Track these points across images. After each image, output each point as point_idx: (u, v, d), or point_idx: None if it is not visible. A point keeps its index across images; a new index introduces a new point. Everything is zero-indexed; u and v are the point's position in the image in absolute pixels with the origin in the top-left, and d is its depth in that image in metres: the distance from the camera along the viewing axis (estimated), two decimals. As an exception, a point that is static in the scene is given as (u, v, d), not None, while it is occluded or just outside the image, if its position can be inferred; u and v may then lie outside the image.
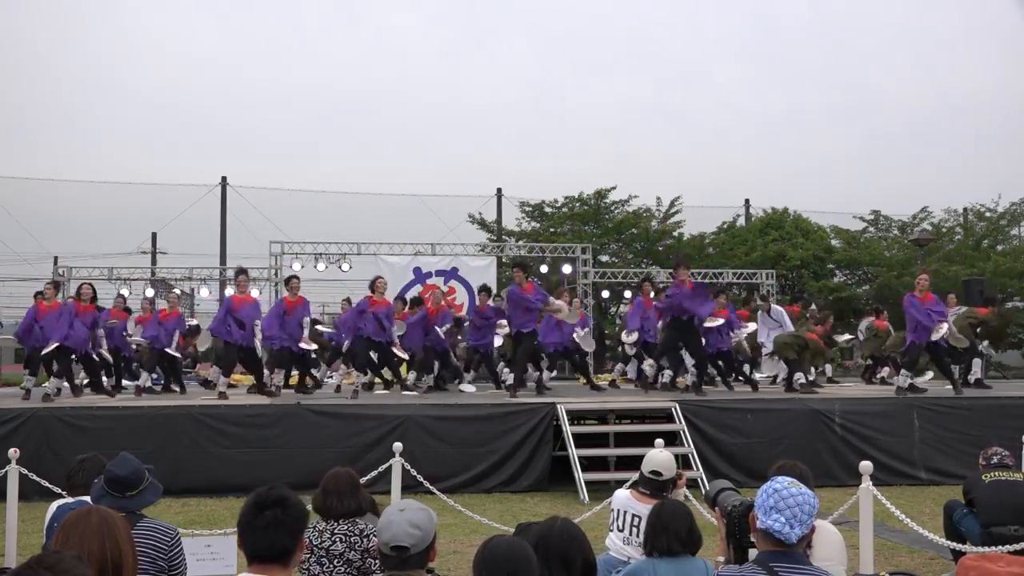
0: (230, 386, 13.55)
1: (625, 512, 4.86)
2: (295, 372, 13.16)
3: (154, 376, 13.32)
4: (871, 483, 5.90)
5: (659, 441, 7.36)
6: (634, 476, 5.21)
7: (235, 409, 10.26)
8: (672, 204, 28.10)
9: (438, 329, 13.22)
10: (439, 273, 19.37)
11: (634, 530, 4.80)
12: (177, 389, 13.46)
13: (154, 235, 27.80)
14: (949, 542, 5.89)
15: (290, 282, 12.31)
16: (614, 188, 27.63)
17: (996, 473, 5.72)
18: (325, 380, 14.11)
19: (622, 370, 14.86)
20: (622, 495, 4.98)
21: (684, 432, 10.17)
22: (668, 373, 12.88)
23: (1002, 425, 10.09)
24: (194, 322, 16.86)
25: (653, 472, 4.91)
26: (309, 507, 4.37)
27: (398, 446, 7.48)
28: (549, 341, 12.75)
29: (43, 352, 11.42)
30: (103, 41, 60.31)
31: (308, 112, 56.47)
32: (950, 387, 11.68)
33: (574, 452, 9.85)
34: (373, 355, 12.20)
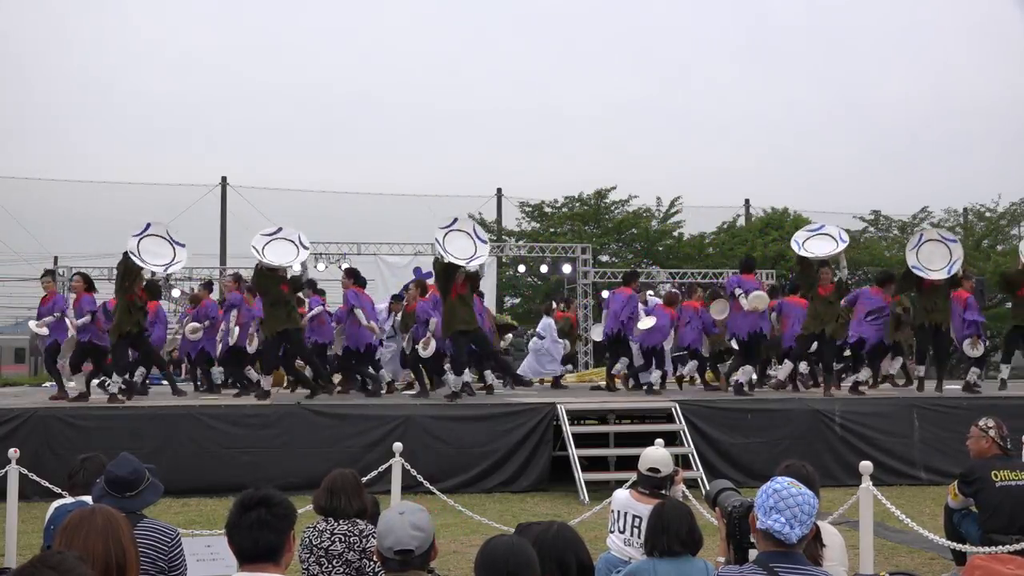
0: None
1: (625, 513, 4.85)
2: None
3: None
4: (871, 483, 5.90)
5: (659, 440, 7.39)
6: (635, 476, 5.21)
7: (235, 409, 10.26)
8: (672, 204, 28.13)
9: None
10: (439, 273, 19.31)
11: (635, 531, 4.80)
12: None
13: (154, 235, 27.76)
14: (949, 542, 5.88)
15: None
16: (614, 188, 27.69)
17: (1005, 473, 5.66)
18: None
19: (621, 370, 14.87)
20: (622, 496, 4.98)
21: (684, 432, 10.16)
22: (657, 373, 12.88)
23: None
24: None
25: (651, 470, 4.92)
26: (309, 507, 4.40)
27: (398, 446, 7.48)
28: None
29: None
30: (102, 41, 60.36)
31: (308, 112, 56.49)
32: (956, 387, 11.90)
33: (574, 452, 9.85)
34: None
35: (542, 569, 2.91)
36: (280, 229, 11.17)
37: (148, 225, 10.86)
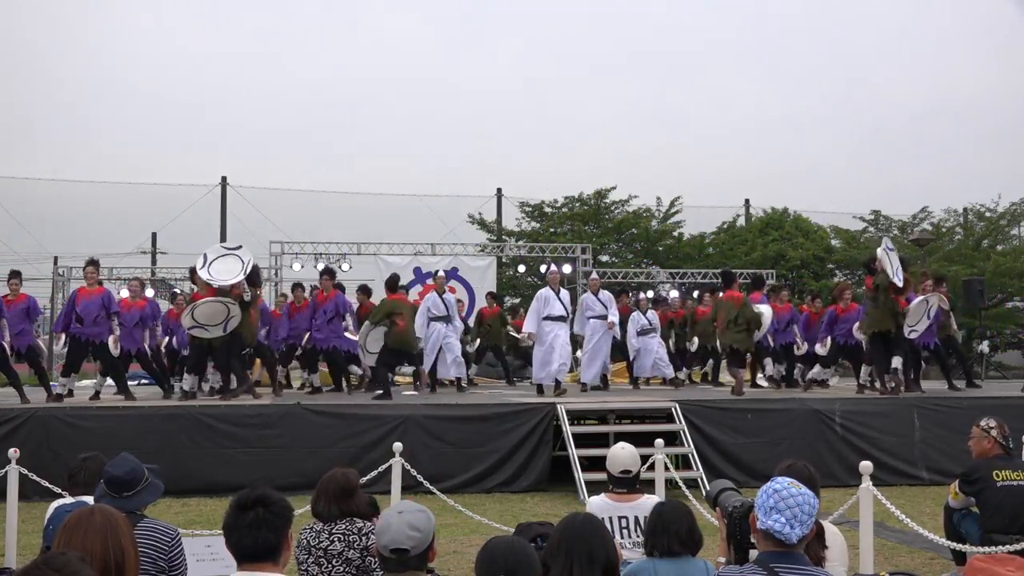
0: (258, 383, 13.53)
1: (609, 518, 4.80)
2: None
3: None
4: (871, 483, 5.90)
5: (659, 441, 7.39)
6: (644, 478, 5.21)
7: (235, 409, 10.26)
8: (672, 204, 28.11)
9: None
10: (439, 273, 19.31)
11: (624, 532, 4.79)
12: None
13: (154, 235, 27.77)
14: (949, 542, 5.88)
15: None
16: (614, 188, 27.65)
17: (1007, 473, 5.66)
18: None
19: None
20: (598, 503, 4.96)
21: (684, 432, 10.16)
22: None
23: (1002, 425, 10.08)
24: None
25: (623, 472, 4.91)
26: (307, 508, 4.40)
27: (398, 446, 7.48)
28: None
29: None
30: (102, 40, 60.24)
31: (308, 112, 56.35)
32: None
33: (574, 452, 9.84)
34: None
35: (569, 558, 2.91)
36: (240, 247, 11.42)
37: (205, 256, 11.14)
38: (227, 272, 10.91)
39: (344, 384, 13.15)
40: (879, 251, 11.12)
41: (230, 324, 10.79)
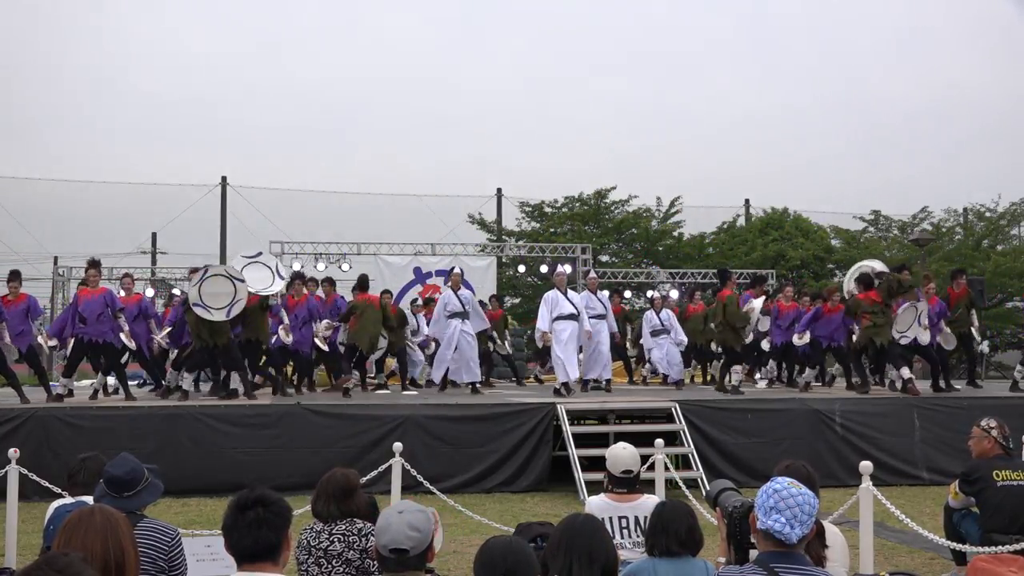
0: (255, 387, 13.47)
1: (609, 518, 4.79)
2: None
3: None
4: (871, 483, 5.89)
5: (659, 441, 7.39)
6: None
7: (235, 409, 10.26)
8: (672, 204, 28.12)
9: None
10: (439, 273, 19.33)
11: (624, 532, 4.78)
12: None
13: (154, 235, 27.79)
14: (949, 542, 5.87)
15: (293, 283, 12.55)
16: (614, 188, 27.66)
17: (1007, 473, 5.66)
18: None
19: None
20: (597, 503, 4.94)
21: (684, 432, 10.16)
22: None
23: (1002, 425, 10.07)
24: None
25: (625, 472, 4.90)
26: (306, 508, 4.40)
27: (398, 446, 7.48)
28: None
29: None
30: (102, 41, 60.39)
31: (308, 112, 56.46)
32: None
33: (574, 452, 9.84)
34: None
35: (569, 558, 2.91)
36: (260, 253, 11.64)
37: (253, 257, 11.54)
38: (262, 280, 11.08)
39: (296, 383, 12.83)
40: (879, 266, 11.27)
41: (234, 308, 10.70)
